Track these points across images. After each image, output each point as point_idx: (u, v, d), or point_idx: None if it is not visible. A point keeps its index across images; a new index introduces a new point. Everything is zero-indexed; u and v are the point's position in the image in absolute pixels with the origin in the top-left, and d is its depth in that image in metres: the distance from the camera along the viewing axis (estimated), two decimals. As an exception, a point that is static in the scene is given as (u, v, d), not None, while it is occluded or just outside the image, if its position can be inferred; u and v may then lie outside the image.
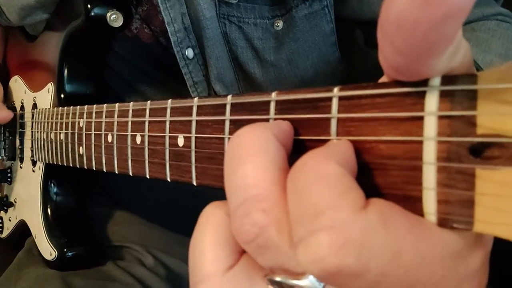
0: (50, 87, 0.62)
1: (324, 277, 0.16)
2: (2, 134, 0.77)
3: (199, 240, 0.21)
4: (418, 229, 0.16)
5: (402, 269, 0.16)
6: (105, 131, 0.42)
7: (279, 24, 0.52)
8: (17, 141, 0.72)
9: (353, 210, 0.16)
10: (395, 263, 0.16)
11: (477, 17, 0.50)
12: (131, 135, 0.37)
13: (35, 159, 0.65)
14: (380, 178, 0.19)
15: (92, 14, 0.54)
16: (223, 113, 0.26)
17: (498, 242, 0.16)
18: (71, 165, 0.51)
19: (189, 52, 0.54)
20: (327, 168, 0.17)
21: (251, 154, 0.19)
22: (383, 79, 0.20)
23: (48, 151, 0.58)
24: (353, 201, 0.16)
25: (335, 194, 0.16)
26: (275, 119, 0.23)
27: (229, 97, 0.26)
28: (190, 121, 0.29)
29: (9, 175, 0.76)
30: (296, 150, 0.22)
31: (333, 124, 0.20)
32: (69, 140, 0.50)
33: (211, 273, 0.20)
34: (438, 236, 0.17)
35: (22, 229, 0.70)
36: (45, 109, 0.61)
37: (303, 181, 0.17)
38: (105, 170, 0.43)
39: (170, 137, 0.31)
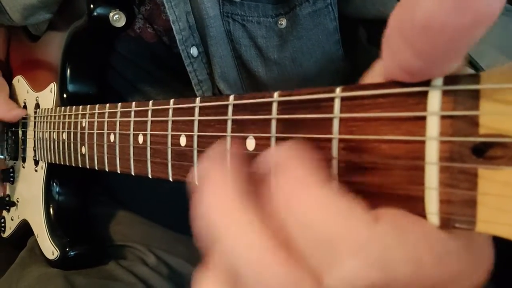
0: (53, 87, 0.62)
1: None
2: (5, 134, 0.78)
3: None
4: (429, 233, 0.17)
5: (425, 272, 0.16)
6: (107, 130, 0.42)
7: (283, 22, 0.52)
8: (20, 140, 0.73)
9: (368, 228, 0.16)
10: (418, 269, 0.16)
11: None
12: (133, 134, 0.37)
13: (37, 159, 0.65)
14: (383, 178, 0.19)
15: (95, 14, 0.54)
16: (225, 113, 0.26)
17: (500, 241, 0.16)
18: (73, 165, 0.51)
19: (194, 51, 0.54)
20: (321, 195, 0.17)
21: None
22: (375, 79, 0.20)
23: (50, 151, 0.58)
24: (362, 218, 0.16)
25: (343, 217, 0.16)
26: (277, 119, 0.23)
27: (231, 97, 0.26)
28: (192, 120, 0.29)
29: (11, 174, 0.76)
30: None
31: (335, 124, 0.20)
32: (72, 139, 0.50)
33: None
34: (445, 235, 0.17)
35: (24, 229, 0.70)
36: (48, 108, 0.61)
37: (303, 216, 0.17)
38: (107, 170, 0.43)
39: (172, 136, 0.31)
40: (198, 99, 0.29)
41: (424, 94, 0.17)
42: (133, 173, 0.38)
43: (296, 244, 0.17)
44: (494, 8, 0.14)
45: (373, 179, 0.19)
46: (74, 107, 0.51)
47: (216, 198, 0.18)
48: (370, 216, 0.16)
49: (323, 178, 0.17)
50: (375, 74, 0.20)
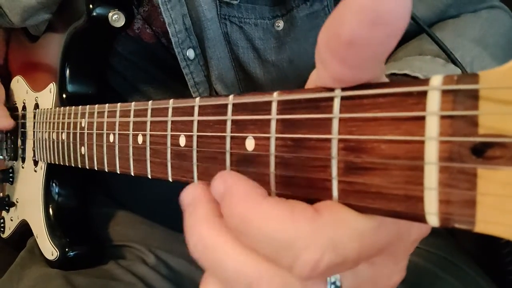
0: (52, 87, 0.62)
1: (319, 277, 0.20)
2: (4, 134, 0.78)
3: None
4: (357, 214, 0.20)
5: (370, 243, 0.20)
6: (107, 130, 0.42)
7: (280, 24, 0.52)
8: (19, 141, 0.73)
9: (310, 223, 0.19)
10: (363, 243, 0.19)
11: (469, 11, 0.52)
12: (133, 134, 0.37)
13: (37, 159, 0.65)
14: (382, 178, 0.19)
15: (94, 14, 0.54)
16: (225, 113, 0.26)
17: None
18: (73, 165, 0.51)
19: (190, 53, 0.54)
20: (262, 209, 0.20)
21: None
22: (310, 86, 0.22)
23: (50, 151, 0.58)
24: (304, 215, 0.19)
25: (288, 222, 0.19)
26: (277, 119, 0.23)
27: (231, 97, 0.26)
28: (192, 121, 0.29)
29: (10, 175, 0.76)
30: (299, 151, 0.22)
31: (335, 124, 0.20)
32: (71, 140, 0.50)
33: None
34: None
35: (24, 229, 0.70)
36: (47, 109, 0.61)
37: (257, 232, 0.20)
38: (106, 170, 0.43)
39: (171, 136, 0.31)
40: (197, 99, 0.29)
41: (424, 94, 0.17)
42: (132, 173, 0.38)
43: (263, 253, 0.20)
44: (401, 24, 0.17)
45: (372, 179, 0.19)
46: (73, 107, 0.51)
47: (198, 233, 0.22)
48: (309, 212, 0.20)
49: (263, 193, 0.21)
50: (311, 82, 0.23)
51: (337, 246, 0.19)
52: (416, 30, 0.53)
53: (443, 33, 0.47)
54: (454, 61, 0.42)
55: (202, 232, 0.22)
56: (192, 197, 0.24)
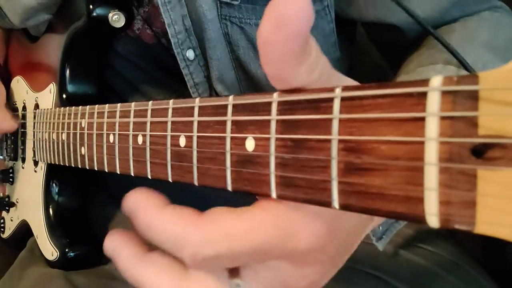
0: (52, 87, 0.62)
1: (204, 265, 0.25)
2: (4, 135, 0.78)
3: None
4: (234, 216, 0.24)
5: (240, 243, 0.23)
6: (106, 131, 0.42)
7: None
8: (19, 141, 0.73)
9: (190, 226, 0.25)
10: (232, 242, 0.24)
11: (473, 13, 0.52)
12: (133, 135, 0.37)
13: (37, 159, 0.65)
14: (382, 178, 0.19)
15: (94, 14, 0.54)
16: (225, 114, 0.26)
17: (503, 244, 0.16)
18: (73, 165, 0.51)
19: (190, 54, 0.54)
20: (160, 215, 0.26)
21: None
22: None
23: (50, 151, 0.58)
24: (188, 220, 0.25)
25: (175, 224, 0.25)
26: (277, 119, 0.23)
27: (231, 97, 0.26)
28: (192, 121, 0.29)
29: (11, 175, 0.76)
30: (299, 151, 0.22)
31: (335, 124, 0.20)
32: (71, 140, 0.50)
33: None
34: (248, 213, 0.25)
35: (24, 229, 0.70)
36: (47, 109, 0.61)
37: (155, 233, 0.26)
38: (106, 171, 0.43)
39: (171, 137, 0.31)
40: (197, 100, 0.29)
41: (423, 95, 0.17)
42: (132, 174, 0.38)
43: (165, 247, 0.26)
44: (300, 28, 0.20)
45: (372, 179, 0.19)
46: (73, 107, 0.51)
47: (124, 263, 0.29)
48: (193, 216, 0.25)
49: (162, 203, 0.26)
50: None
51: (209, 244, 0.23)
52: (421, 33, 0.53)
53: (452, 38, 0.47)
54: (465, 66, 0.42)
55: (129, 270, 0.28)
56: (113, 245, 0.30)
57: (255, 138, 0.24)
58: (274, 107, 0.23)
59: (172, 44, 0.52)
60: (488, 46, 0.47)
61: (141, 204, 0.27)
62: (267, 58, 0.21)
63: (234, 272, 0.26)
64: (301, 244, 0.24)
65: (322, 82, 0.23)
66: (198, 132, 0.29)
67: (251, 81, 0.56)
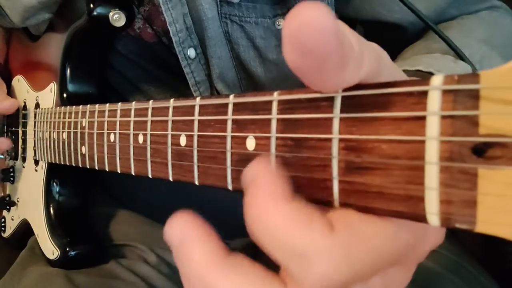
0: (53, 86, 0.62)
1: None
2: (5, 134, 0.78)
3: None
4: (377, 223, 0.19)
5: (384, 256, 0.19)
6: (107, 130, 0.42)
7: (281, 23, 0.52)
8: (20, 140, 0.73)
9: (328, 235, 0.18)
10: (378, 257, 0.19)
11: (470, 12, 0.52)
12: (134, 134, 0.37)
13: (37, 159, 0.65)
14: (382, 177, 0.19)
15: (95, 13, 0.54)
16: (225, 113, 0.26)
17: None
18: (73, 165, 0.51)
19: (191, 52, 0.54)
20: (284, 212, 0.19)
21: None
22: None
23: (50, 151, 0.58)
24: (321, 226, 0.18)
25: (306, 230, 0.18)
26: (277, 118, 0.23)
27: (231, 96, 0.26)
28: (192, 120, 0.29)
29: (11, 174, 0.76)
30: (299, 151, 0.22)
31: (336, 123, 0.20)
32: (72, 139, 0.50)
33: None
34: (392, 226, 0.19)
35: (25, 229, 0.70)
36: (48, 108, 0.61)
37: (272, 234, 0.19)
38: (107, 170, 0.43)
39: (172, 136, 0.31)
40: (198, 99, 0.29)
41: (424, 94, 0.17)
42: (133, 173, 0.38)
43: (275, 257, 0.19)
44: (328, 49, 0.17)
45: (373, 179, 0.19)
46: (74, 106, 0.51)
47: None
48: (326, 224, 0.19)
49: (288, 194, 0.19)
50: None
51: (352, 262, 0.18)
52: (420, 31, 0.53)
53: (449, 34, 0.47)
54: (463, 58, 0.42)
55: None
56: (183, 235, 0.22)
57: (255, 137, 0.24)
58: (274, 106, 0.23)
59: (174, 42, 0.53)
60: (485, 41, 0.48)
61: (263, 185, 0.20)
62: (305, 78, 0.19)
63: None
64: (425, 247, 0.22)
65: (373, 74, 0.20)
66: (198, 131, 0.29)
67: (251, 80, 0.56)
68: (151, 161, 0.35)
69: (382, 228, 0.19)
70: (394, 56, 0.56)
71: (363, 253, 0.18)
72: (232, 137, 0.26)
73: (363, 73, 0.19)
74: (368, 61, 0.19)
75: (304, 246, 0.18)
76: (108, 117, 0.42)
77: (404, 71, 0.42)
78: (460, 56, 0.42)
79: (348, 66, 0.18)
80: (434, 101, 0.17)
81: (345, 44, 0.18)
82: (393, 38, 0.56)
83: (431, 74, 0.40)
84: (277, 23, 0.52)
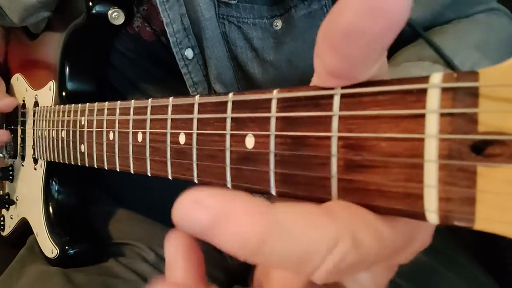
0: (52, 85, 0.62)
1: (342, 275, 0.19)
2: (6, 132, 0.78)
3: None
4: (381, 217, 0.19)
5: (386, 243, 0.19)
6: (106, 128, 0.42)
7: (278, 24, 0.52)
8: (19, 139, 0.73)
9: (332, 225, 0.18)
10: (381, 241, 0.19)
11: (467, 15, 0.52)
12: (133, 132, 0.37)
13: (36, 157, 0.65)
14: (382, 175, 0.19)
15: (94, 11, 0.54)
16: (225, 111, 0.26)
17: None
18: (72, 163, 0.51)
19: (189, 53, 0.54)
20: (297, 216, 0.18)
21: None
22: (313, 82, 0.22)
23: (49, 149, 0.58)
24: (321, 216, 0.18)
25: (310, 226, 0.17)
26: (277, 117, 0.23)
27: (231, 94, 0.26)
28: (192, 118, 0.29)
29: (10, 173, 0.76)
30: (298, 149, 0.22)
31: (335, 121, 0.20)
32: (71, 138, 0.50)
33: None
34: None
35: (24, 227, 0.70)
36: (47, 107, 0.61)
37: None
38: (106, 168, 0.43)
39: (171, 134, 0.31)
40: (197, 97, 0.29)
41: (423, 91, 0.17)
42: (132, 171, 0.38)
43: (283, 266, 0.19)
44: (400, 17, 0.17)
45: (372, 176, 0.19)
46: (73, 105, 0.51)
47: None
48: (325, 214, 0.18)
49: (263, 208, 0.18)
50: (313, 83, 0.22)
51: (359, 245, 0.18)
52: (413, 34, 0.53)
53: (442, 38, 0.47)
54: (453, 67, 0.42)
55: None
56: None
57: (254, 135, 0.24)
58: (274, 104, 0.23)
59: (171, 43, 0.52)
60: (478, 46, 0.47)
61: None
62: (346, 53, 0.18)
63: None
64: (413, 247, 0.22)
65: (380, 76, 0.20)
66: (197, 129, 0.29)
67: (249, 81, 0.56)
68: (150, 159, 0.35)
69: (382, 217, 0.19)
70: (389, 57, 0.56)
71: (369, 236, 0.18)
72: (231, 135, 0.26)
73: (376, 75, 0.20)
74: (381, 64, 0.20)
75: (314, 240, 0.17)
76: (107, 115, 0.42)
77: None
78: (449, 64, 0.42)
79: (380, 60, 0.19)
80: (433, 99, 0.17)
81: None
82: None
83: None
84: (275, 24, 0.52)
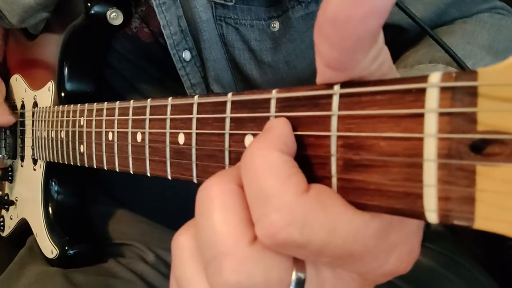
0: (51, 85, 0.62)
1: (276, 248, 0.20)
2: (3, 133, 0.77)
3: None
4: (351, 210, 0.20)
5: (339, 241, 0.19)
6: (105, 129, 0.42)
7: (276, 25, 0.52)
8: (18, 139, 0.72)
9: (296, 195, 0.19)
10: (332, 237, 0.19)
11: (471, 13, 0.51)
12: (132, 132, 0.37)
13: (36, 158, 0.65)
14: (381, 175, 0.19)
15: (92, 12, 0.54)
16: (224, 111, 0.26)
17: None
18: (72, 163, 0.51)
19: (186, 55, 0.54)
20: (271, 158, 0.20)
21: (215, 211, 0.21)
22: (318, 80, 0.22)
23: (49, 150, 0.58)
24: (295, 186, 0.19)
25: (280, 181, 0.19)
26: (276, 116, 0.23)
27: (230, 94, 0.26)
28: (191, 118, 0.29)
29: (10, 173, 0.76)
30: (298, 148, 0.22)
31: (334, 121, 0.20)
32: (70, 138, 0.50)
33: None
34: (367, 216, 0.20)
35: (24, 228, 0.70)
36: (46, 107, 0.61)
37: (253, 170, 0.20)
38: (106, 168, 0.43)
39: (170, 134, 0.31)
40: (196, 97, 0.29)
41: (422, 91, 0.17)
42: (131, 172, 0.38)
43: (247, 189, 0.21)
44: (384, 3, 0.17)
45: (371, 176, 0.19)
46: (72, 105, 0.51)
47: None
48: (302, 187, 0.20)
49: (286, 150, 0.21)
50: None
51: (305, 226, 0.19)
52: (421, 31, 0.52)
53: (451, 39, 0.47)
54: (462, 67, 0.41)
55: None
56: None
57: (254, 135, 0.24)
58: (273, 104, 0.23)
59: (168, 45, 0.52)
60: (488, 48, 0.47)
61: (273, 132, 0.21)
62: (335, 39, 0.18)
63: (299, 264, 0.21)
64: (388, 266, 0.22)
65: (381, 73, 0.21)
66: (197, 129, 0.29)
67: (247, 82, 0.56)
68: (149, 160, 0.35)
69: (352, 215, 0.20)
70: (394, 56, 0.56)
71: (318, 225, 0.19)
72: (231, 135, 0.26)
73: (373, 69, 0.20)
74: (381, 60, 0.20)
75: (271, 192, 0.19)
76: (106, 115, 0.42)
77: None
78: (463, 68, 0.42)
79: (372, 51, 0.19)
80: (432, 98, 0.17)
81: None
82: (394, 39, 0.56)
83: None
84: (272, 25, 0.52)
